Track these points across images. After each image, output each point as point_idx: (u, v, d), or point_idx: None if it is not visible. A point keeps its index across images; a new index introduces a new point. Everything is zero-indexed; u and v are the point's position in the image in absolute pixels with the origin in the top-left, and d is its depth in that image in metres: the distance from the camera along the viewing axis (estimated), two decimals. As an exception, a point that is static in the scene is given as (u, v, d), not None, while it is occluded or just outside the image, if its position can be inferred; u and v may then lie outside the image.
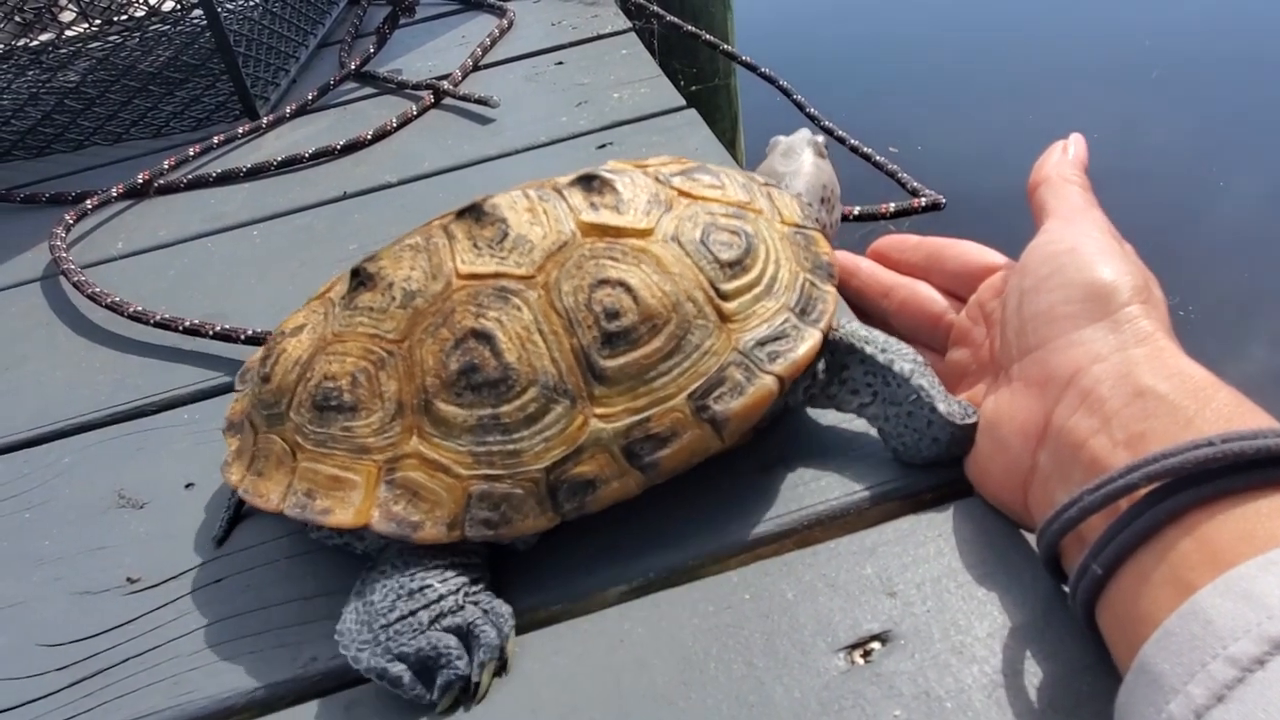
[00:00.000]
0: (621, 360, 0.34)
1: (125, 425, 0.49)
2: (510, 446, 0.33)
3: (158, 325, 0.56)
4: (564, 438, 0.33)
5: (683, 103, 0.71)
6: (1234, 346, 1.48)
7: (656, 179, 0.38)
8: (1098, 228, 0.35)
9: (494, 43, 0.89)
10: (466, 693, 0.31)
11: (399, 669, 0.31)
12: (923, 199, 0.57)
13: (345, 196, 0.68)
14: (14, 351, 0.58)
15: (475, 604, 0.33)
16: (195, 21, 0.94)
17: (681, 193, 0.38)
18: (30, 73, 0.91)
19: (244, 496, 0.36)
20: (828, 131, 0.75)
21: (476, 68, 0.85)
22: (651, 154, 0.64)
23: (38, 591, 0.40)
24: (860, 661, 0.30)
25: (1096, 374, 0.30)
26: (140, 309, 0.57)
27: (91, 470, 0.46)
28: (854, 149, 0.69)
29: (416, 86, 0.82)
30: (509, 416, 0.33)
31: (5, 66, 0.92)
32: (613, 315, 0.34)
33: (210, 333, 0.54)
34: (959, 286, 0.42)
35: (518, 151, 0.69)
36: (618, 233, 0.36)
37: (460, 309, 0.34)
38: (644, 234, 0.36)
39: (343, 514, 0.33)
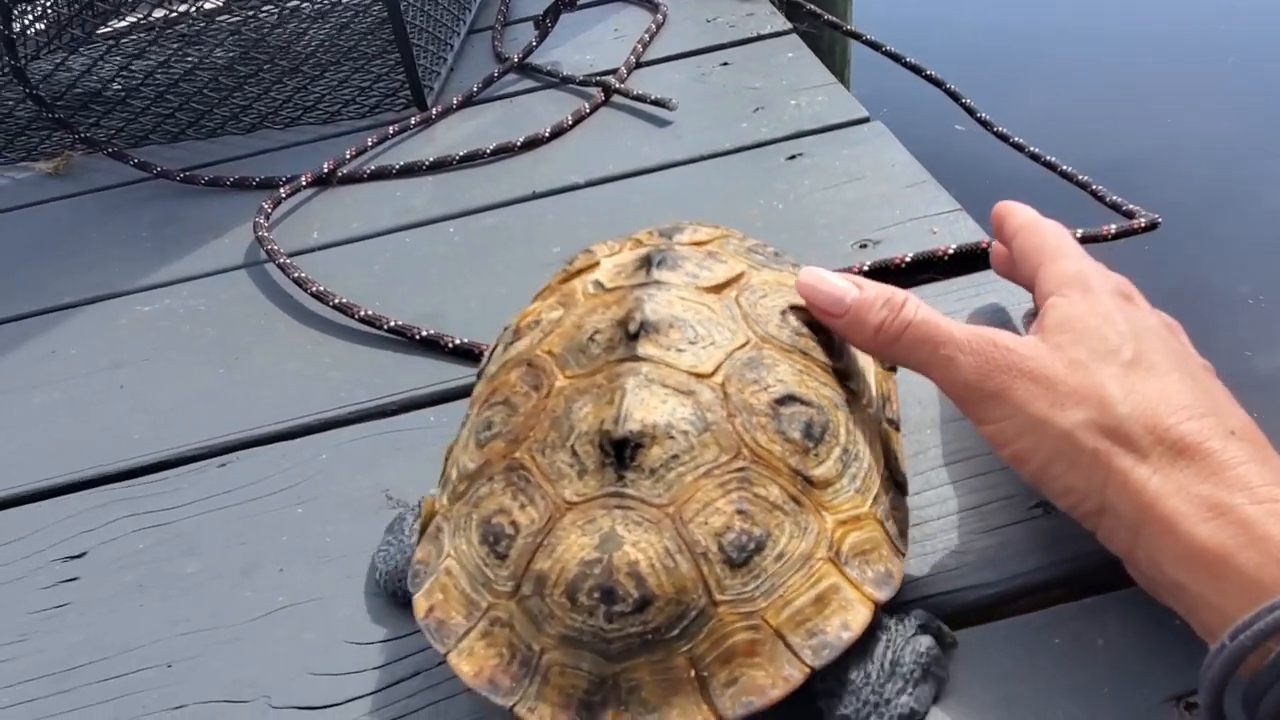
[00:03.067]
0: None
1: (373, 424, 0.51)
2: None
3: (363, 321, 0.58)
4: None
5: (865, 113, 0.71)
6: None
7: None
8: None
9: (652, 38, 0.90)
10: None
11: None
12: (1141, 219, 0.57)
13: (535, 196, 0.69)
14: (237, 340, 0.60)
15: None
16: (375, 11, 0.95)
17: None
18: (218, 53, 0.93)
19: None
20: (1002, 138, 0.75)
21: (639, 65, 0.86)
22: (845, 169, 0.65)
23: (332, 588, 0.42)
24: (1188, 714, 0.32)
25: None
26: (346, 301, 0.59)
27: (352, 468, 0.48)
28: (1047, 164, 0.69)
29: (584, 83, 0.83)
30: None
31: (193, 47, 0.94)
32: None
33: (417, 336, 0.56)
34: None
35: (703, 158, 0.70)
36: None
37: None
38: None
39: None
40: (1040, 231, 0.41)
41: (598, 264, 0.40)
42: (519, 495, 0.33)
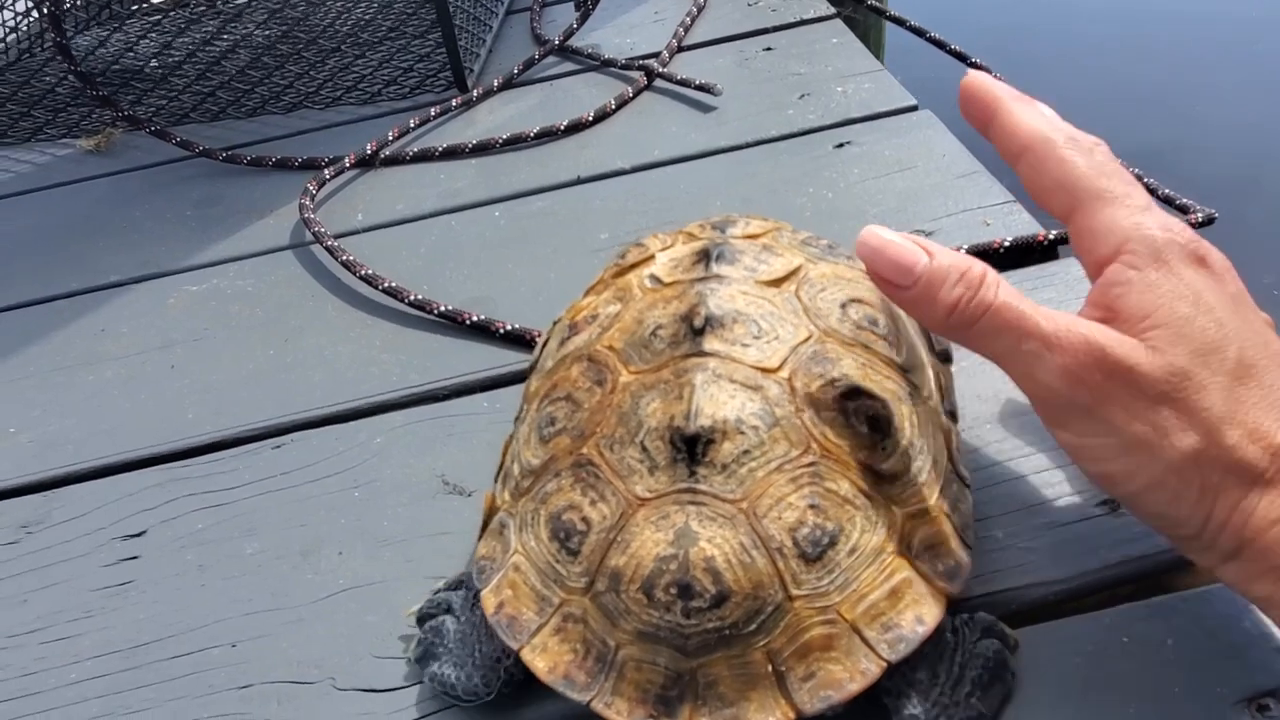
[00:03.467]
0: None
1: (426, 409, 0.51)
2: None
3: (413, 305, 0.58)
4: None
5: (913, 101, 0.71)
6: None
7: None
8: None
9: (693, 21, 0.89)
10: None
11: None
12: (1198, 213, 0.56)
13: (580, 181, 0.69)
14: (287, 322, 0.60)
15: None
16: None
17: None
18: (259, 32, 0.93)
19: None
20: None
21: (681, 49, 0.85)
22: (895, 158, 0.64)
23: (392, 572, 0.42)
24: (1260, 716, 0.32)
25: None
26: (395, 285, 0.59)
27: (407, 452, 0.49)
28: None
29: (626, 66, 0.83)
30: None
31: (233, 25, 0.94)
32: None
33: (467, 322, 0.56)
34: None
35: (749, 145, 0.69)
36: None
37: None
38: None
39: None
40: (1061, 156, 0.32)
41: (652, 258, 0.40)
42: (589, 491, 0.33)
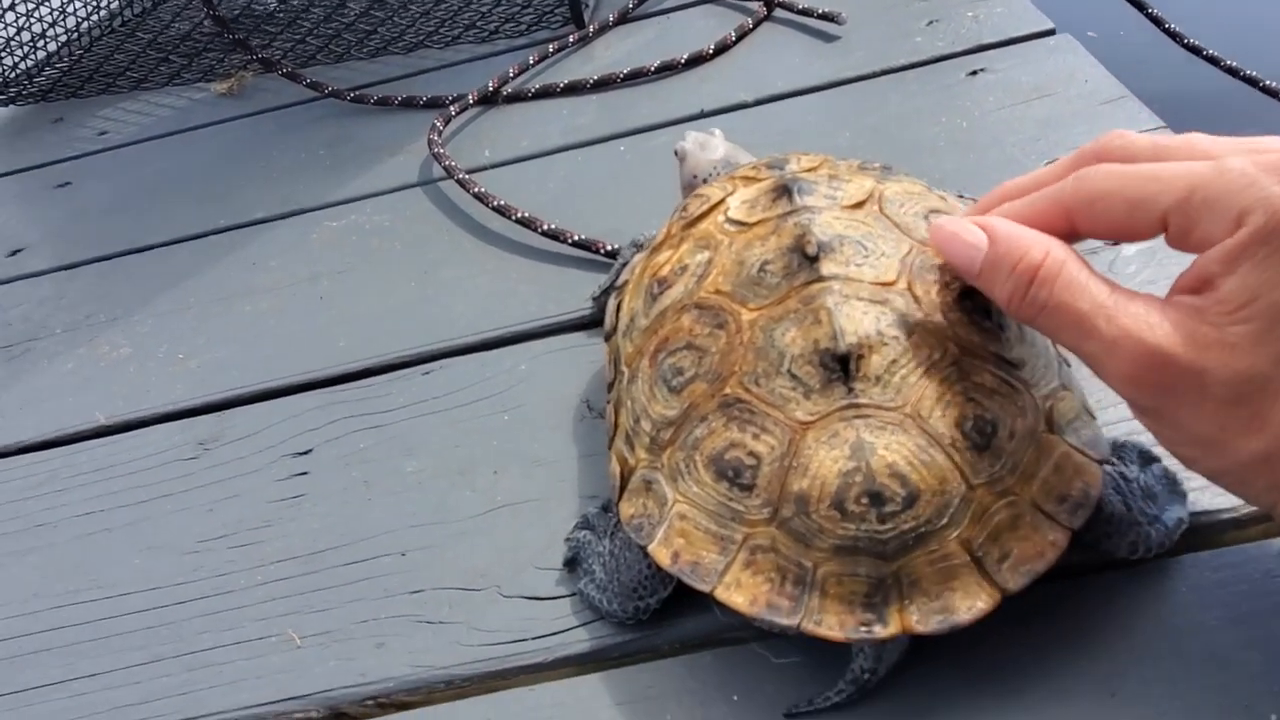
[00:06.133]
0: None
1: (566, 338, 0.53)
2: None
3: (546, 235, 0.60)
4: None
5: (1050, 25, 0.68)
6: None
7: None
8: None
9: (810, -52, 0.87)
10: None
11: None
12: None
13: (703, 115, 0.69)
14: (425, 255, 0.62)
15: None
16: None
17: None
18: None
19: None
20: (1193, 50, 0.70)
21: (799, -24, 0.83)
22: (1033, 84, 0.62)
23: (547, 490, 0.45)
24: None
25: None
26: (527, 214, 0.61)
27: (550, 379, 0.50)
28: (1248, 80, 0.64)
29: (744, -4, 0.81)
30: None
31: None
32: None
33: (602, 251, 0.57)
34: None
35: (876, 75, 0.68)
36: None
37: None
38: None
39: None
40: (1105, 172, 0.29)
41: (720, 204, 0.41)
42: (747, 427, 0.34)
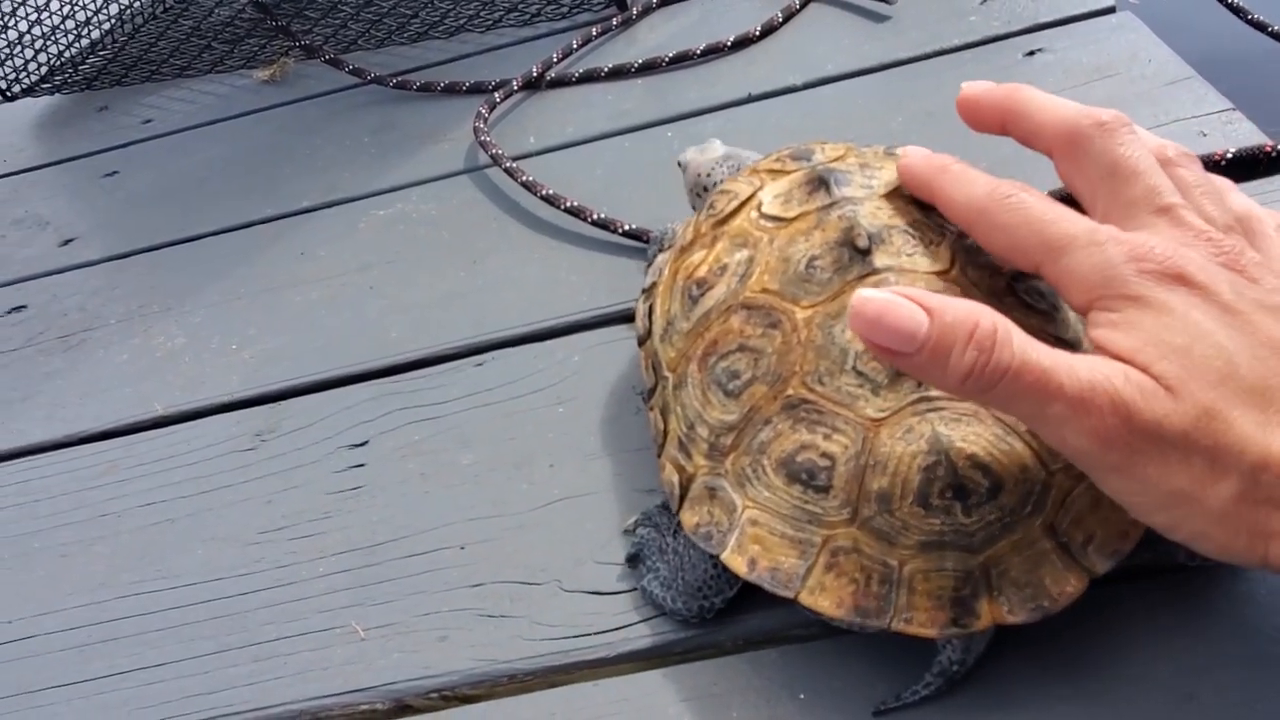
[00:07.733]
0: None
1: (617, 329, 0.53)
2: None
3: (595, 224, 0.59)
4: None
5: (1110, 2, 0.66)
6: None
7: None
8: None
9: (857, -76, 0.85)
10: None
11: None
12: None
13: (751, 99, 0.68)
14: (474, 244, 0.62)
15: None
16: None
17: None
18: None
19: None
20: (1258, 26, 0.68)
21: (846, -46, 0.81)
22: (1094, 64, 0.60)
23: (603, 484, 0.44)
24: None
25: None
26: (576, 203, 0.60)
27: (604, 370, 0.50)
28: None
29: (791, -24, 0.80)
30: None
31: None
32: None
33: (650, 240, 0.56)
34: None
35: (930, 55, 0.66)
36: None
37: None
38: None
39: None
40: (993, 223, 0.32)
41: (751, 198, 0.39)
42: (816, 428, 0.33)
